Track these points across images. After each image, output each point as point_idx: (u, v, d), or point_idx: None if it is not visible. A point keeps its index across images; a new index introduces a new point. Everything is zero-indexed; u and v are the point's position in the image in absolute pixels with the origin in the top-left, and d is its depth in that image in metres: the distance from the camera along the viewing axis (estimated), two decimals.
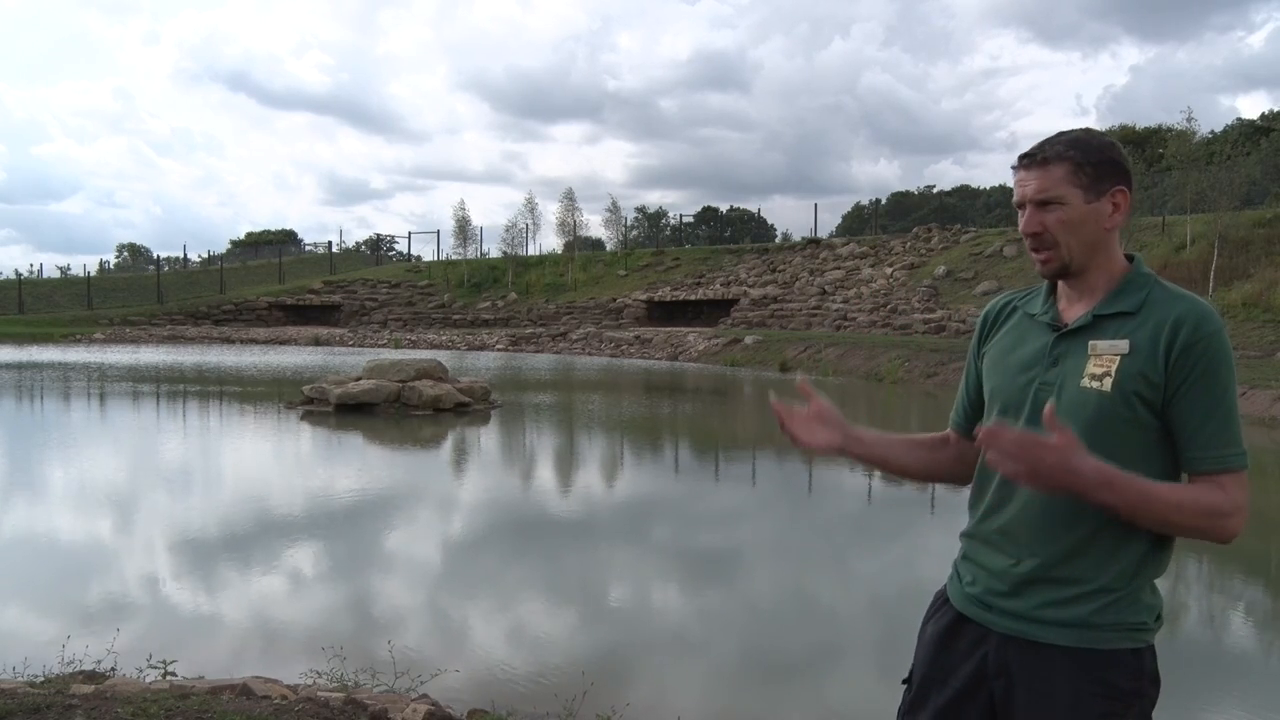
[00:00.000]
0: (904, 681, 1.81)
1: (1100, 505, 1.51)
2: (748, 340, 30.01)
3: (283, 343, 39.61)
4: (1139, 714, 1.58)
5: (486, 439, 12.73)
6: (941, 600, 1.80)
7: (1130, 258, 1.67)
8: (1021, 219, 1.66)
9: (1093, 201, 1.61)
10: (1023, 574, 1.61)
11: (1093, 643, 1.56)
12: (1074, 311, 1.66)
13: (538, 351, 35.22)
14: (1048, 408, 1.47)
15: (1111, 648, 1.56)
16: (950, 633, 1.72)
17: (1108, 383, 1.56)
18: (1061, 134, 1.65)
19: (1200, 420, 1.53)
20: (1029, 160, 1.64)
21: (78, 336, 39.54)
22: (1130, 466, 1.54)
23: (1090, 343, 1.60)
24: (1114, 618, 1.57)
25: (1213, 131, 33.93)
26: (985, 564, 1.68)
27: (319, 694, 3.55)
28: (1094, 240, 1.62)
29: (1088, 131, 1.67)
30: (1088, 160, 1.61)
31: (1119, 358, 1.56)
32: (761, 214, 69.58)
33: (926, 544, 7.15)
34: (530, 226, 51.64)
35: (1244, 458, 1.55)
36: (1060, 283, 1.71)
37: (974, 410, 1.84)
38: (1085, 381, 1.58)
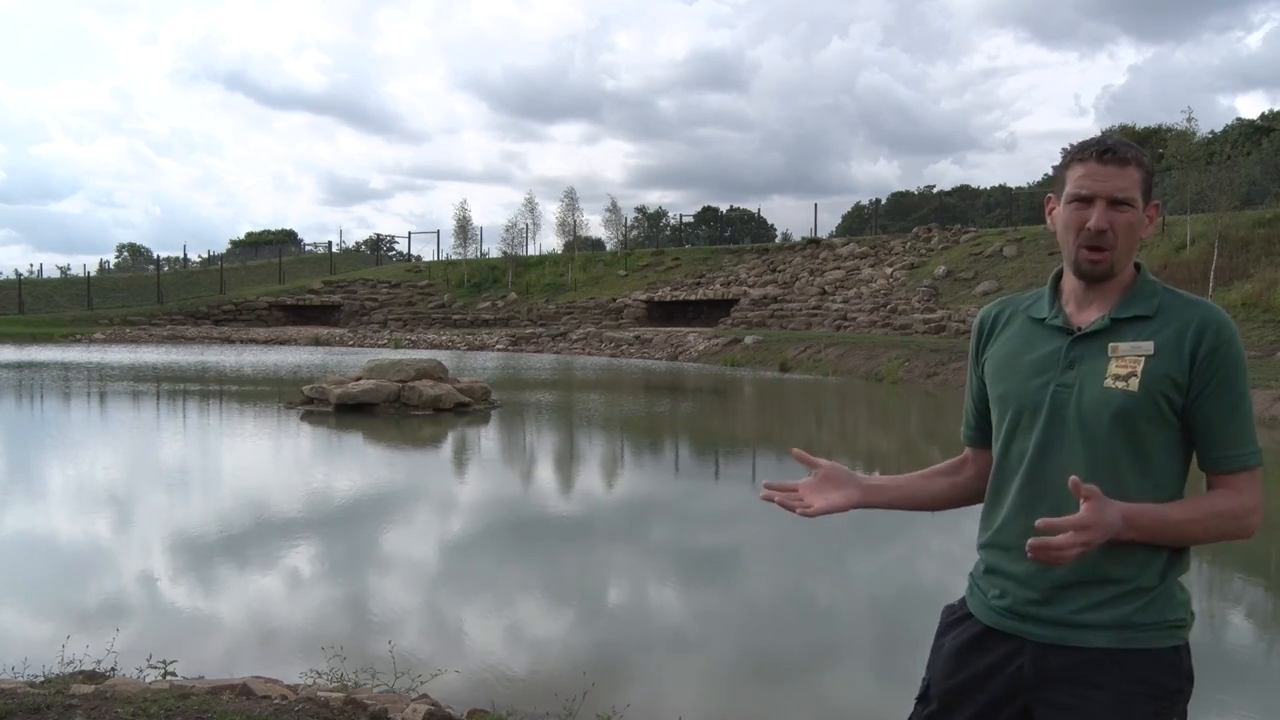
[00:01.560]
0: (918, 698, 1.78)
1: (1133, 538, 1.54)
2: (748, 340, 30.02)
3: (283, 343, 39.62)
4: (1181, 713, 1.59)
5: (486, 439, 12.73)
6: (961, 615, 1.76)
7: (1136, 264, 1.68)
8: (1085, 211, 1.61)
9: (1142, 210, 1.64)
10: (1058, 579, 1.59)
11: (1136, 642, 1.57)
12: (1085, 315, 1.67)
13: (538, 351, 35.23)
14: (1073, 479, 1.47)
15: (1155, 646, 1.57)
16: (974, 646, 1.69)
17: (1134, 383, 1.57)
18: (1117, 137, 1.65)
19: (1223, 421, 1.58)
20: (1110, 156, 1.60)
21: (78, 336, 39.55)
22: (1151, 462, 1.58)
23: (1110, 345, 1.61)
24: (1155, 616, 1.58)
25: (1212, 131, 33.96)
26: (1013, 573, 1.65)
27: (319, 694, 3.55)
28: (1134, 247, 1.65)
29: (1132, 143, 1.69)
30: (1150, 170, 1.64)
31: (1144, 359, 1.58)
32: (761, 214, 69.65)
33: (926, 545, 7.15)
34: (530, 226, 51.67)
35: (1260, 455, 1.60)
36: (1068, 286, 1.71)
37: (985, 420, 1.81)
38: (1109, 382, 1.59)
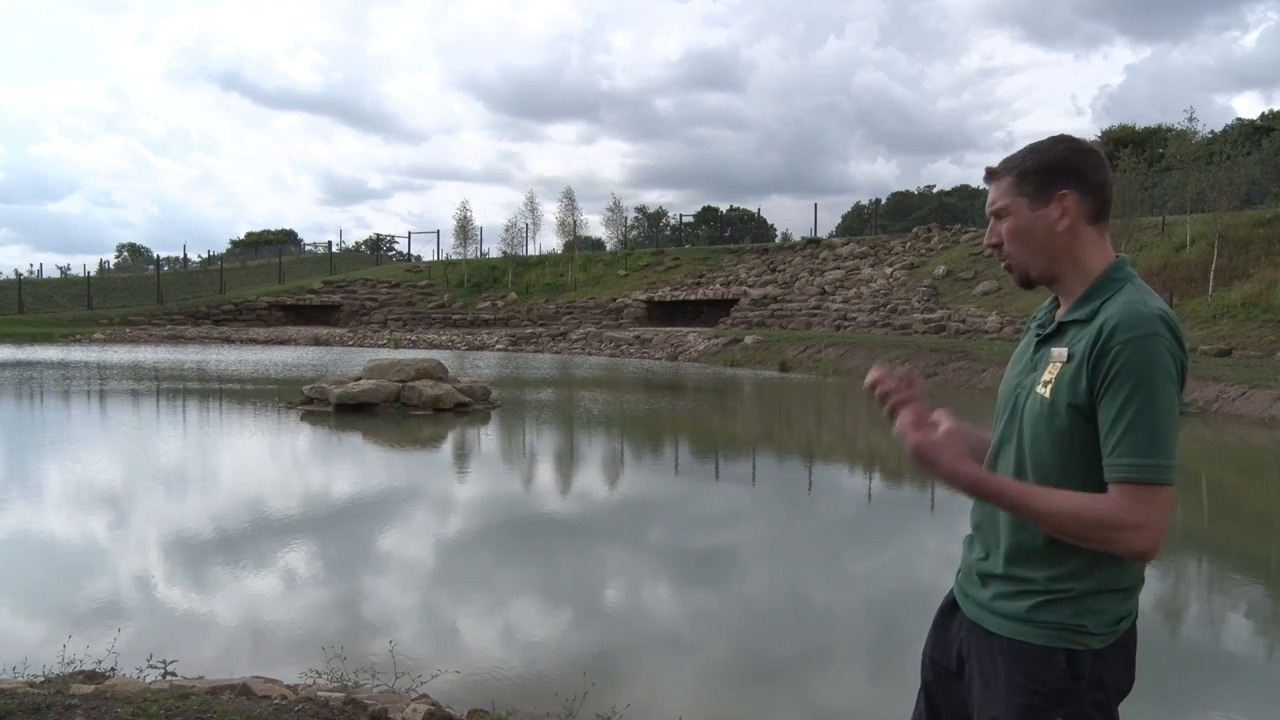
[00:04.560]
0: (922, 661, 1.92)
1: (972, 495, 1.64)
2: (748, 340, 30.02)
3: (283, 343, 39.60)
4: (1074, 714, 1.58)
5: (486, 439, 12.73)
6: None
7: (1118, 259, 1.67)
8: None
9: (1039, 209, 1.64)
10: (986, 569, 1.70)
11: (1026, 636, 1.61)
12: (1059, 316, 1.71)
13: (538, 351, 35.22)
14: (929, 407, 1.70)
15: (1043, 644, 1.59)
16: (945, 614, 1.84)
17: (1048, 389, 1.60)
18: (1033, 143, 1.70)
19: (1109, 426, 1.51)
20: (989, 175, 1.73)
21: (78, 336, 39.54)
22: (1074, 470, 1.57)
23: (1051, 349, 1.65)
24: (1050, 616, 1.59)
25: (1212, 131, 33.97)
26: (967, 555, 1.79)
27: (319, 694, 3.55)
28: (1047, 247, 1.65)
29: (1055, 138, 1.68)
30: (1034, 167, 1.64)
31: (1060, 365, 1.60)
32: (761, 214, 69.71)
33: (925, 544, 7.15)
34: (530, 226, 51.77)
35: (1151, 471, 1.48)
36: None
37: None
38: (1039, 388, 1.63)
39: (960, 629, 1.75)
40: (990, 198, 1.71)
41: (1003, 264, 1.73)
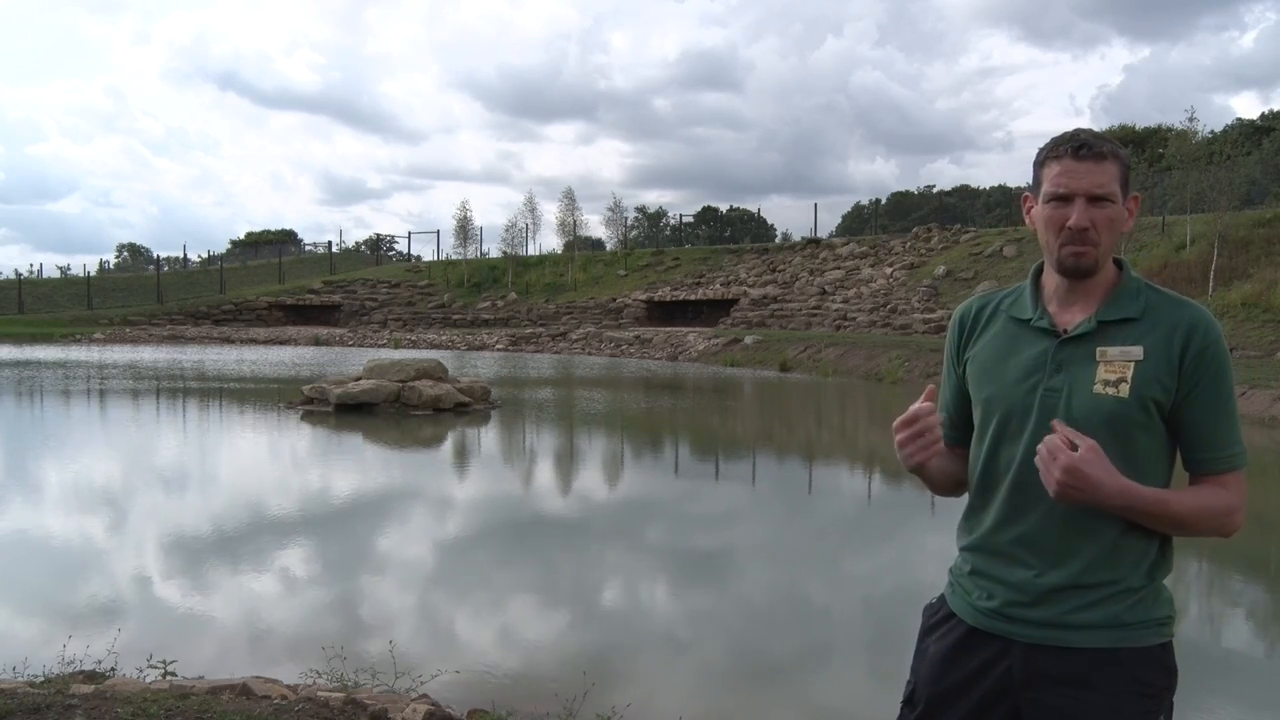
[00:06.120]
0: (904, 702, 1.77)
1: (1117, 512, 1.55)
2: (748, 340, 30.01)
3: (283, 343, 39.59)
4: (1168, 707, 1.61)
5: (486, 439, 12.73)
6: (942, 616, 1.75)
7: (1118, 263, 1.67)
8: (1065, 209, 1.59)
9: (1122, 204, 1.62)
10: (1049, 585, 1.60)
11: (1126, 641, 1.57)
12: (1070, 316, 1.65)
13: (538, 351, 35.22)
14: (1054, 422, 1.55)
15: (1144, 644, 1.58)
16: (961, 648, 1.68)
17: (1124, 388, 1.56)
18: (1090, 132, 1.63)
19: (1212, 423, 1.58)
20: (1086, 152, 1.58)
21: (78, 336, 39.53)
22: (1141, 467, 1.57)
23: (1098, 349, 1.60)
24: (1143, 614, 1.59)
25: (1212, 131, 33.96)
26: (1002, 577, 1.65)
27: (319, 694, 3.55)
28: (1115, 242, 1.64)
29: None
30: (1126, 162, 1.63)
31: (1133, 364, 1.57)
32: (761, 214, 69.67)
33: (922, 545, 7.15)
34: (530, 226, 51.75)
35: (1246, 456, 1.62)
36: (1049, 285, 1.69)
37: (959, 419, 1.81)
38: (1098, 388, 1.57)
39: (1003, 660, 1.62)
40: (1097, 179, 1.57)
41: (1077, 247, 1.59)
